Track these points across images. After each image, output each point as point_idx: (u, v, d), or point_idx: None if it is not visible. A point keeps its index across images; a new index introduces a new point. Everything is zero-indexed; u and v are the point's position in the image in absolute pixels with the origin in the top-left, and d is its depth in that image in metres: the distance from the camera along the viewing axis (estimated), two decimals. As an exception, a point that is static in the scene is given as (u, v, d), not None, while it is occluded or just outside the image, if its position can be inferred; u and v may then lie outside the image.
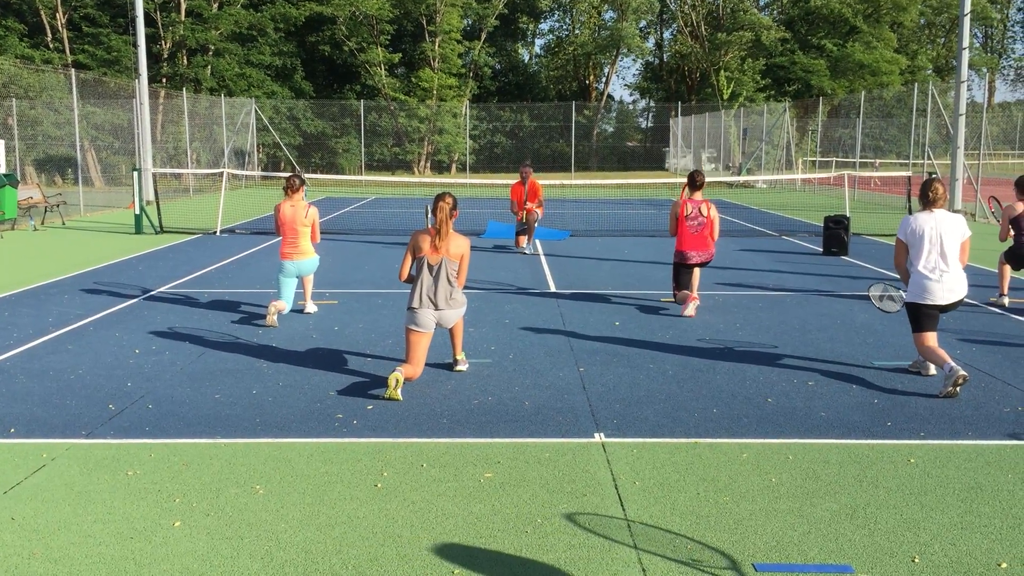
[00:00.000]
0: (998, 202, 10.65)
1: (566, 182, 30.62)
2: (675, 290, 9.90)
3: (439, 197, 6.79)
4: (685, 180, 9.89)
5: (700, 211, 9.67)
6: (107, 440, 5.61)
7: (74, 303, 10.25)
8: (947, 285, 6.72)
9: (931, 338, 6.79)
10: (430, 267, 6.76)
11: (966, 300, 9.98)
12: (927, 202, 6.87)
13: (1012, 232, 10.07)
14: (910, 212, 16.58)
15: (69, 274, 12.50)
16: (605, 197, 31.45)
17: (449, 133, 48.26)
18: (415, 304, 6.75)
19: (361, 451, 5.42)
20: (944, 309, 6.81)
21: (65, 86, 27.95)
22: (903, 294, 7.12)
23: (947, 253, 6.74)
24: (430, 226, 6.85)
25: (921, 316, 6.80)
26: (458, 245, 6.83)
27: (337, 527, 4.36)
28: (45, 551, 4.11)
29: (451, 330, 7.15)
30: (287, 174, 9.47)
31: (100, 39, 39.08)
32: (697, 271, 9.91)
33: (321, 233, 9.95)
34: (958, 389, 6.48)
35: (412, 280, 6.90)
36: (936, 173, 23.19)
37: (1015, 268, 10.26)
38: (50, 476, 5.02)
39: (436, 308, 6.74)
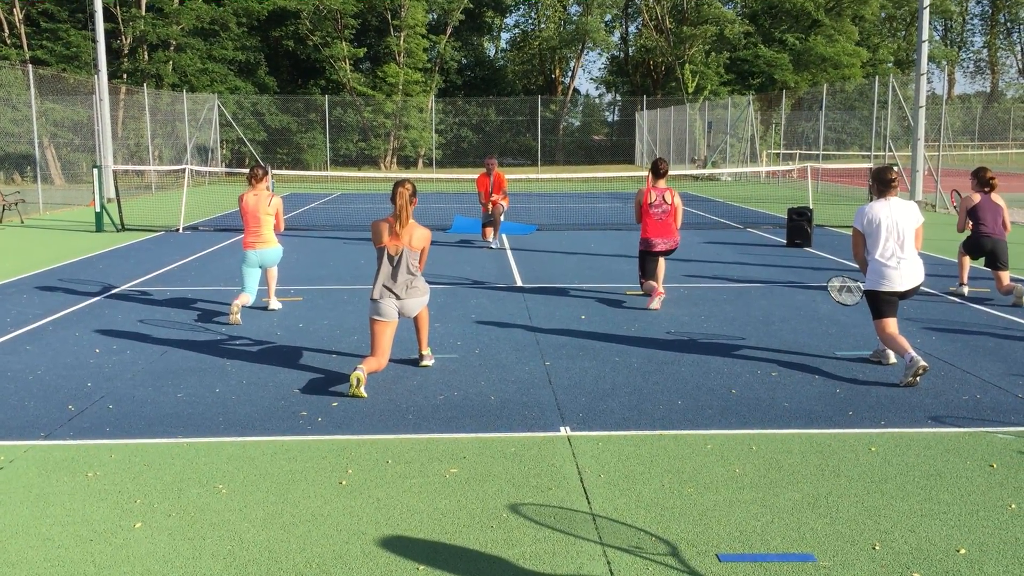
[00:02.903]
0: (960, 195, 10.80)
1: (532, 176, 30.62)
2: (641, 279, 9.94)
3: (398, 184, 6.81)
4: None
5: (664, 199, 9.72)
6: (67, 441, 5.53)
7: (33, 302, 10.08)
8: (905, 272, 6.82)
9: (892, 324, 6.88)
10: (390, 258, 6.75)
11: (927, 290, 10.17)
12: (885, 188, 6.92)
13: (970, 223, 10.22)
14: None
15: (28, 273, 12.29)
16: (571, 191, 31.49)
17: (415, 128, 48.04)
18: (375, 295, 6.74)
19: (326, 448, 5.38)
20: (903, 296, 6.91)
21: (23, 82, 27.48)
22: (861, 285, 7.20)
23: (904, 241, 6.83)
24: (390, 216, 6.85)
25: (881, 303, 6.89)
26: (418, 238, 6.82)
27: (301, 525, 4.33)
28: (2, 555, 4.04)
29: (416, 324, 7.13)
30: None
31: (59, 34, 38.38)
32: (662, 261, 9.95)
33: (286, 228, 9.88)
34: (918, 379, 6.56)
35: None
36: (898, 165, 23.48)
37: (974, 258, 10.41)
38: (8, 479, 4.94)
39: (397, 298, 6.73)
